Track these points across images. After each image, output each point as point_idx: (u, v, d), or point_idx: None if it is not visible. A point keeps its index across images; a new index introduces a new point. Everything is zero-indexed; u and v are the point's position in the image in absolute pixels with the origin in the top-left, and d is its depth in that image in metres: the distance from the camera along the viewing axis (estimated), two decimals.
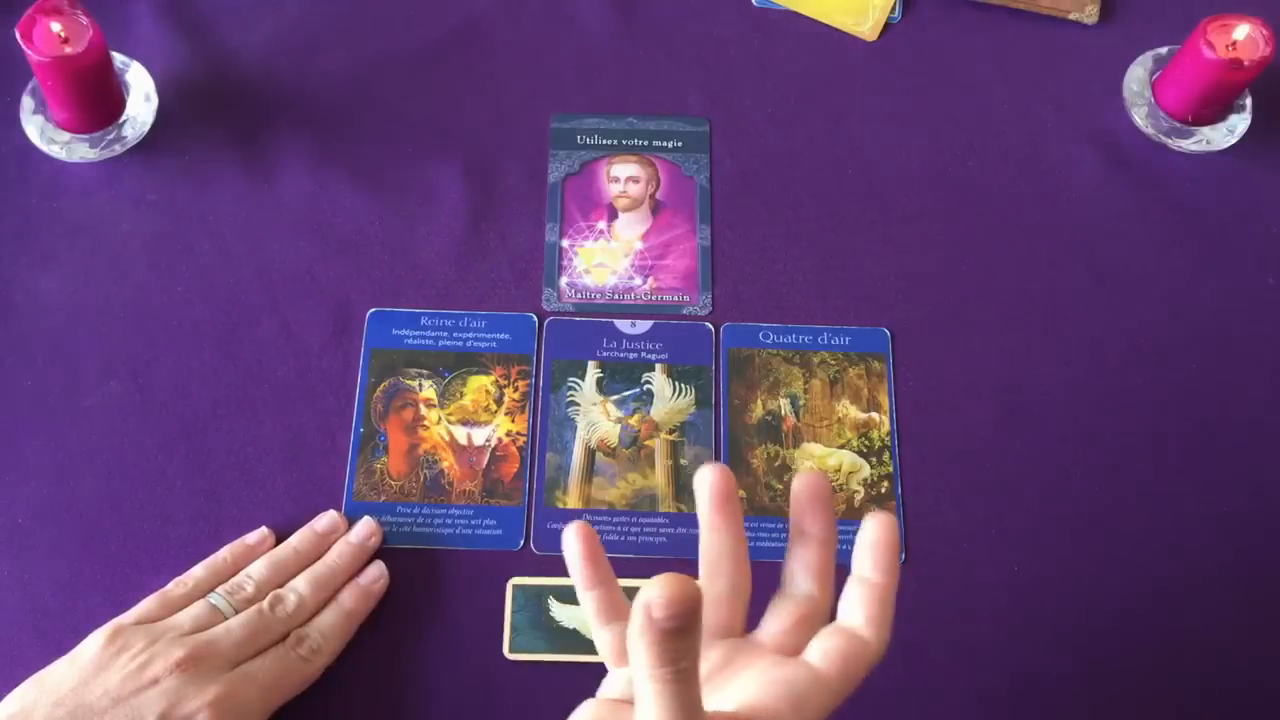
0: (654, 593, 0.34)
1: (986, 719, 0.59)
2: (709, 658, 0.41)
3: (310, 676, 0.56)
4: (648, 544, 0.62)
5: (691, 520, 0.62)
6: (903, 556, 0.62)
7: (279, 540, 0.60)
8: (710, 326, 0.67)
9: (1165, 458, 0.65)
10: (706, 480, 0.42)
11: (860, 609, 0.41)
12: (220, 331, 0.65)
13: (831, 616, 0.42)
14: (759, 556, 0.61)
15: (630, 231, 0.70)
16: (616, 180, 0.71)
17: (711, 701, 0.39)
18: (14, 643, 0.57)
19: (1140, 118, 0.73)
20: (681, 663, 0.35)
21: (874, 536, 0.41)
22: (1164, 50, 0.74)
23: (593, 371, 0.66)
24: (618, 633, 0.43)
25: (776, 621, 0.42)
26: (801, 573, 0.43)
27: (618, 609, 0.43)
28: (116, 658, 0.52)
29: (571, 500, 0.62)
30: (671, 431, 0.64)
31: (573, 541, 0.43)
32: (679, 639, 0.35)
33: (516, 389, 0.65)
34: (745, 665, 0.41)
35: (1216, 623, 0.61)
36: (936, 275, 0.69)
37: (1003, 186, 0.72)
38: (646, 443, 0.64)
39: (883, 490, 0.63)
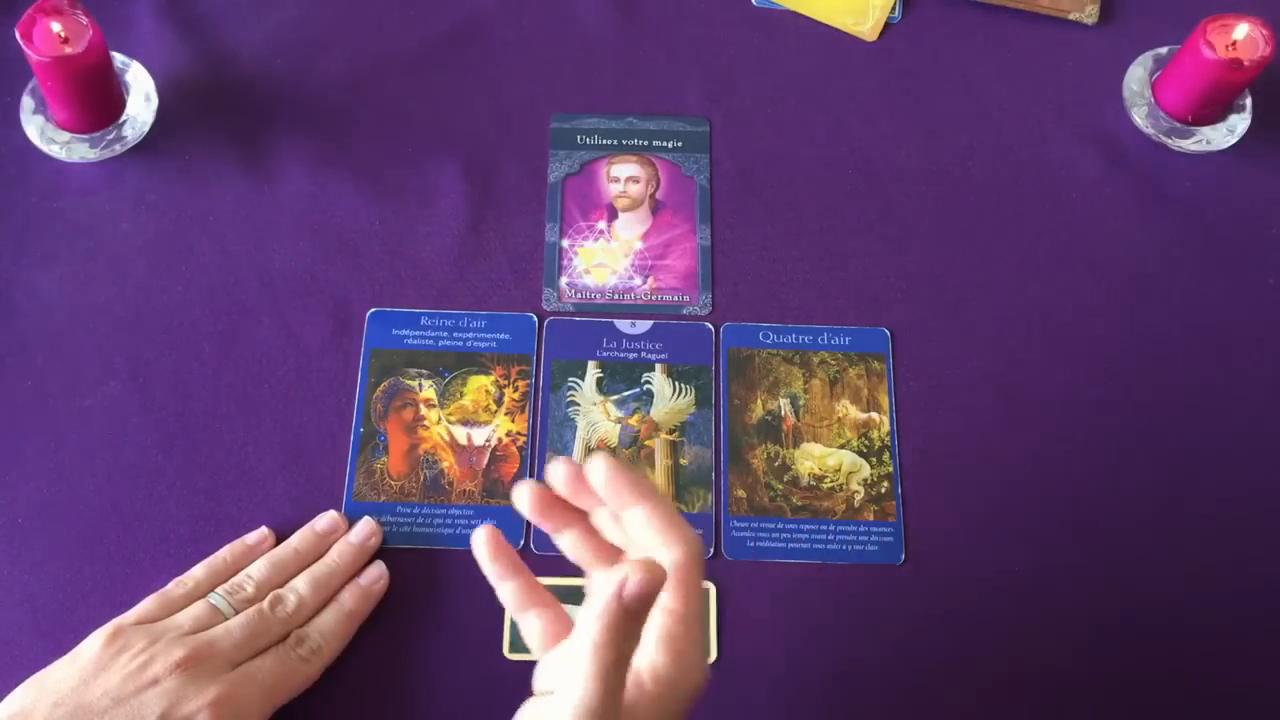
0: (635, 574, 0.38)
1: (986, 719, 0.59)
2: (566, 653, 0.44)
3: (310, 677, 0.56)
4: None
5: (693, 520, 0.62)
6: (902, 557, 0.62)
7: (279, 540, 0.60)
8: (710, 326, 0.67)
9: (1165, 458, 0.65)
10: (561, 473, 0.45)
11: (653, 530, 0.43)
12: (220, 331, 0.65)
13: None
14: (760, 556, 0.62)
15: (630, 231, 0.70)
16: (616, 180, 0.71)
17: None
18: (14, 643, 0.57)
19: (1140, 118, 0.73)
20: (626, 646, 0.40)
21: (602, 480, 0.43)
22: (1164, 50, 0.74)
23: (593, 371, 0.66)
24: (547, 617, 0.47)
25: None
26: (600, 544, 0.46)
27: (535, 595, 0.47)
28: (117, 658, 0.52)
29: None
30: (671, 431, 0.64)
31: (480, 545, 0.47)
32: (635, 621, 0.39)
33: (516, 389, 0.65)
34: None
35: (1216, 622, 0.61)
36: (936, 275, 0.69)
37: (1003, 186, 0.72)
38: (646, 443, 0.64)
39: (883, 490, 0.63)
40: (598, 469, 0.43)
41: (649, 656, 0.42)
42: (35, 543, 0.60)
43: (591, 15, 0.76)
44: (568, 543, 0.46)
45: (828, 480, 0.64)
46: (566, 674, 0.40)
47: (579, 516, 0.46)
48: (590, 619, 0.39)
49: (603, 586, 0.39)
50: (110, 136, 0.69)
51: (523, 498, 0.45)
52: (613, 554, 0.46)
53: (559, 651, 0.46)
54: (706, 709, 0.58)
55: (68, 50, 0.63)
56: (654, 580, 0.39)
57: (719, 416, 0.65)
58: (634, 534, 0.44)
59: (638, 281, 0.68)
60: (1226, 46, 0.68)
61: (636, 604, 0.39)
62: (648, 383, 0.66)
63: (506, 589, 0.47)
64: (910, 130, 0.74)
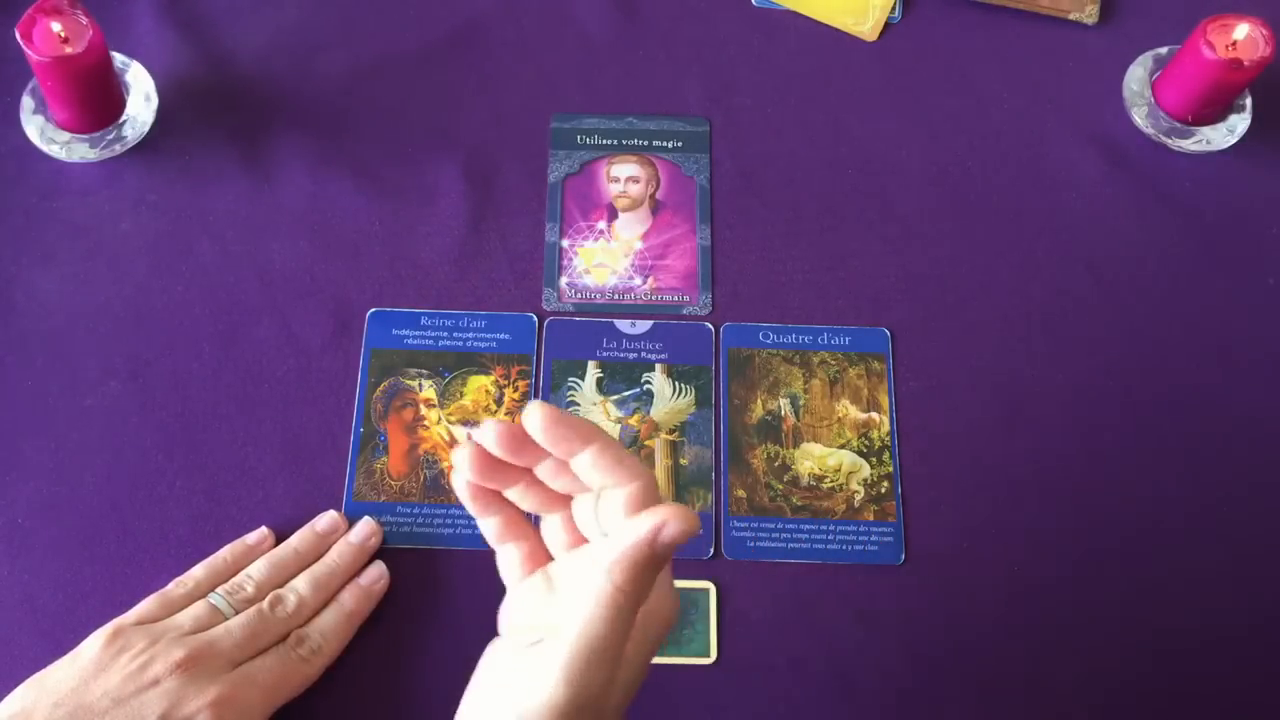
0: (675, 520, 0.37)
1: (986, 719, 0.59)
2: (567, 567, 0.44)
3: (310, 677, 0.56)
4: None
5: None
6: (902, 557, 0.62)
7: (279, 540, 0.60)
8: (710, 326, 0.67)
9: (1165, 458, 0.65)
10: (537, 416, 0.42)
11: (602, 470, 0.41)
12: (220, 332, 0.65)
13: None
14: (760, 556, 0.62)
15: (630, 231, 0.70)
16: (616, 180, 0.71)
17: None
18: (14, 643, 0.58)
19: (1140, 118, 0.73)
20: (645, 591, 0.39)
21: (539, 424, 0.41)
22: (1164, 50, 0.74)
23: (593, 371, 0.66)
24: (525, 549, 0.45)
25: (555, 534, 0.45)
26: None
27: (516, 528, 0.45)
28: (117, 658, 0.52)
29: None
30: (671, 431, 0.64)
31: (462, 475, 0.43)
32: (659, 567, 0.39)
33: (516, 389, 0.65)
34: (577, 564, 0.44)
35: (1216, 622, 0.61)
36: (936, 275, 0.69)
37: (1003, 186, 0.72)
38: (646, 443, 0.64)
39: (883, 490, 0.63)
40: (534, 417, 0.41)
41: (604, 572, 0.41)
42: (35, 543, 0.60)
43: (591, 15, 0.76)
44: (514, 496, 0.45)
45: (828, 480, 0.64)
46: (572, 612, 0.39)
47: (520, 475, 0.44)
48: (613, 560, 0.38)
49: (631, 528, 0.38)
50: (110, 136, 0.69)
51: (461, 472, 0.43)
52: (563, 501, 0.45)
53: (535, 583, 0.45)
54: (707, 709, 0.58)
55: (68, 50, 0.63)
56: (692, 529, 0.38)
57: (719, 416, 0.65)
58: (585, 477, 0.42)
59: (638, 281, 0.68)
60: (1226, 46, 0.68)
61: (667, 550, 0.38)
62: (648, 383, 0.66)
63: (490, 523, 0.45)
64: (910, 130, 0.74)
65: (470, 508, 0.44)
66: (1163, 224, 0.71)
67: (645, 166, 0.72)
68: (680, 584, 0.61)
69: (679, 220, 0.70)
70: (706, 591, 0.60)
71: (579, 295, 0.68)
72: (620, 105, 0.73)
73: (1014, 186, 0.72)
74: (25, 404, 0.63)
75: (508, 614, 0.45)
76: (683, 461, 0.64)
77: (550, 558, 0.45)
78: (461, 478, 0.43)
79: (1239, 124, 0.73)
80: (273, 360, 0.65)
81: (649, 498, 0.41)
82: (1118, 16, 0.78)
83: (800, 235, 0.70)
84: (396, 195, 0.70)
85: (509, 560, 0.46)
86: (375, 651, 0.58)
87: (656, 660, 0.58)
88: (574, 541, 0.44)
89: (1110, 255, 0.70)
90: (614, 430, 0.64)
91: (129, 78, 0.70)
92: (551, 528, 0.45)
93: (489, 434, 0.42)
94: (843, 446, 0.64)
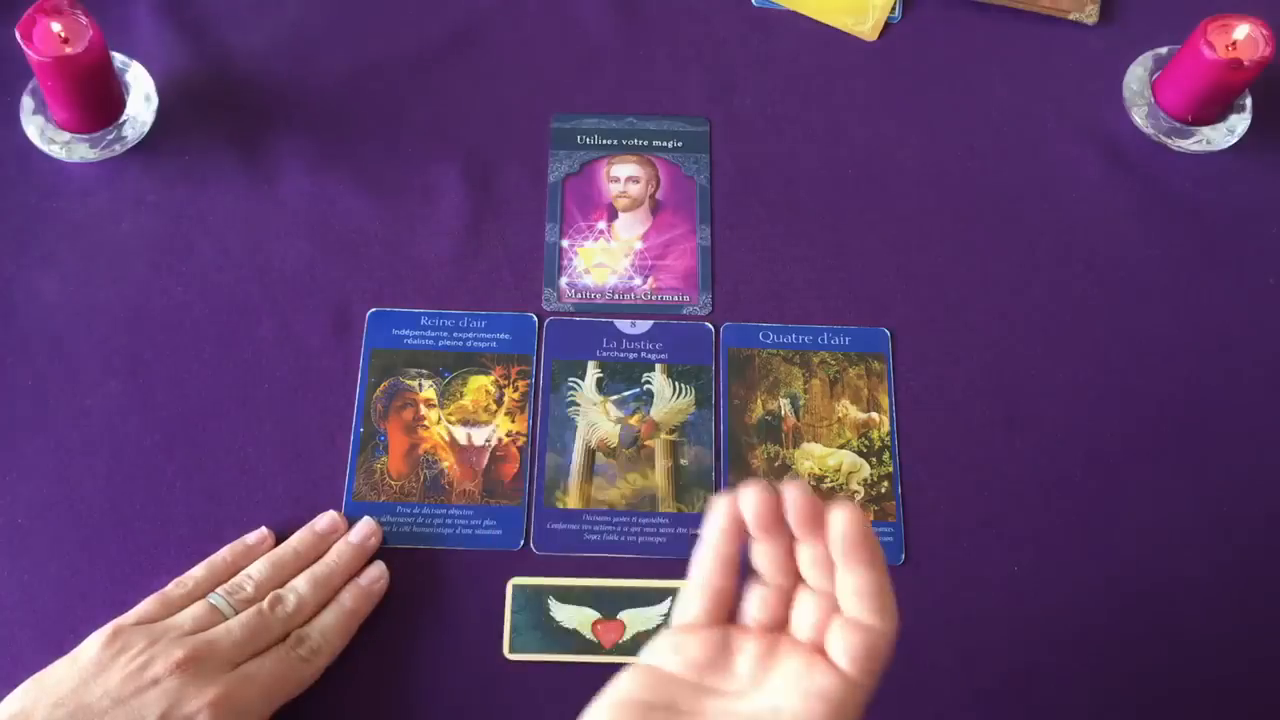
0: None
1: (986, 719, 0.59)
2: (752, 646, 0.43)
3: (310, 677, 0.56)
4: (648, 544, 0.62)
5: (692, 520, 0.62)
6: (902, 557, 0.62)
7: (279, 540, 0.60)
8: (710, 326, 0.67)
9: (1165, 458, 0.65)
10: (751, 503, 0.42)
11: (859, 601, 0.41)
12: (220, 331, 0.65)
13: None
14: None
15: (630, 231, 0.70)
16: (616, 180, 0.71)
17: (751, 706, 0.41)
18: (14, 643, 0.57)
19: (1140, 118, 0.73)
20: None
21: (842, 531, 0.41)
22: (1164, 50, 0.74)
23: (593, 371, 0.66)
24: (721, 597, 0.44)
25: (805, 615, 0.43)
26: (814, 574, 0.44)
27: (728, 571, 0.44)
28: (117, 658, 0.52)
29: (571, 500, 0.62)
30: (671, 431, 0.64)
31: (748, 507, 0.43)
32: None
33: (516, 389, 0.65)
34: (781, 669, 0.42)
35: (1216, 622, 0.61)
36: (936, 275, 0.69)
37: (1003, 186, 0.72)
38: (646, 443, 0.64)
39: (883, 490, 0.63)
40: (841, 521, 0.41)
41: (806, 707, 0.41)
42: (35, 543, 0.60)
43: (591, 15, 0.76)
44: (764, 553, 0.44)
45: (828, 480, 0.64)
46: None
47: (784, 539, 0.44)
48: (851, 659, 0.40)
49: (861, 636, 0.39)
50: (110, 136, 0.69)
51: (749, 504, 0.42)
52: (792, 577, 0.44)
53: (707, 638, 0.43)
54: None
55: (68, 50, 0.63)
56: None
57: (719, 416, 0.65)
58: (842, 589, 0.42)
59: (638, 281, 0.68)
60: (1226, 46, 0.68)
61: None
62: (648, 383, 0.66)
63: (711, 554, 0.44)
64: (910, 130, 0.74)
65: (719, 528, 0.43)
66: (1163, 224, 0.71)
67: (645, 166, 0.72)
68: (680, 584, 0.60)
69: (679, 220, 0.70)
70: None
71: (579, 295, 0.68)
72: (620, 105, 0.73)
73: (1014, 186, 0.72)
74: (25, 404, 0.63)
75: (659, 652, 0.44)
76: (683, 461, 0.64)
77: (728, 619, 0.44)
78: (732, 511, 0.43)
79: (1239, 124, 0.73)
80: (273, 360, 0.65)
81: (891, 643, 0.42)
82: (1118, 16, 0.78)
83: (800, 235, 0.70)
84: (396, 195, 0.70)
85: (696, 599, 0.44)
86: (375, 651, 0.58)
87: None
88: (773, 623, 0.44)
89: (1110, 255, 0.70)
90: (614, 430, 0.64)
91: (129, 78, 0.70)
92: (759, 598, 0.44)
93: (793, 495, 0.42)
94: (843, 446, 0.64)
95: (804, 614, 0.43)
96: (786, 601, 0.44)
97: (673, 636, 0.44)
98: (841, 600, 0.42)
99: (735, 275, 0.69)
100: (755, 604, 0.44)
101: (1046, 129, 0.74)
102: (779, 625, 0.44)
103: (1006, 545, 0.62)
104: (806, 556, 0.43)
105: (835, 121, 0.74)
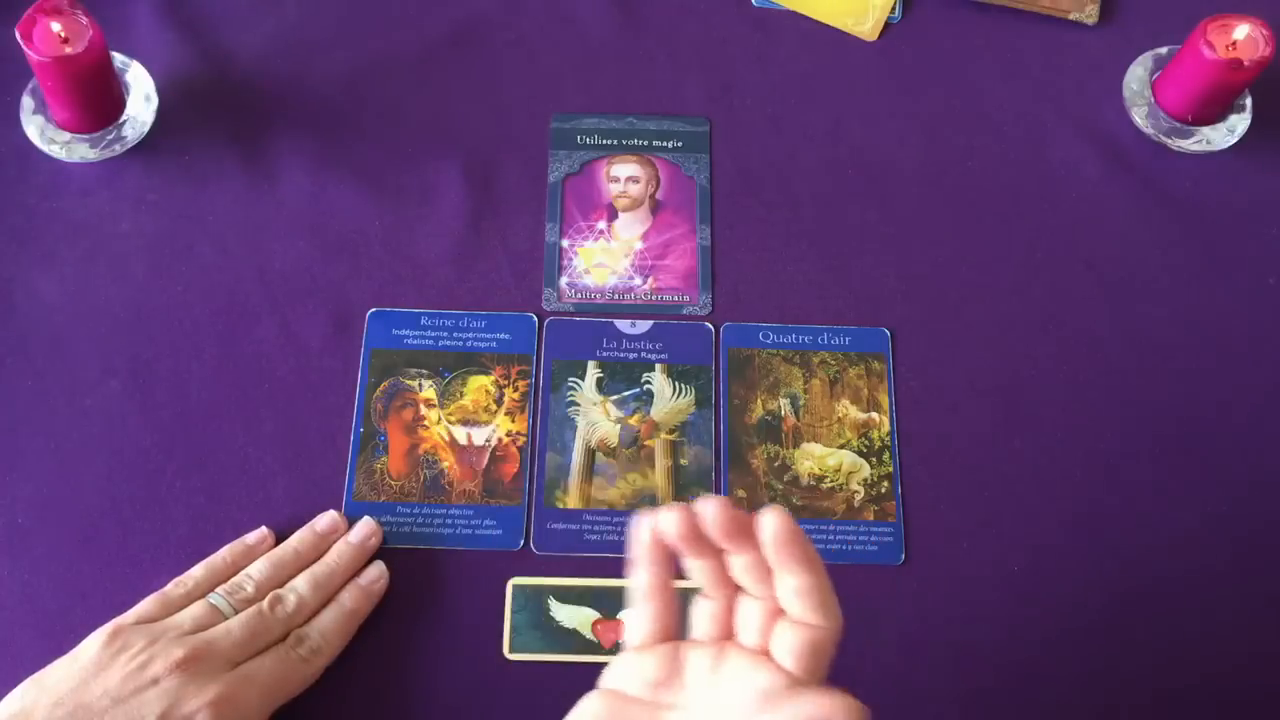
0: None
1: (986, 719, 0.59)
2: (702, 657, 0.43)
3: (310, 676, 0.56)
4: None
5: None
6: (902, 557, 0.62)
7: (279, 540, 0.60)
8: (710, 326, 0.67)
9: (1165, 457, 0.65)
10: (712, 513, 0.41)
11: (802, 601, 0.41)
12: (220, 331, 0.65)
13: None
14: None
15: (630, 231, 0.70)
16: (616, 180, 0.71)
17: (705, 714, 0.41)
18: (14, 643, 0.57)
19: (1140, 118, 0.73)
20: None
21: (775, 535, 0.40)
22: (1164, 50, 0.74)
23: (593, 371, 0.66)
24: (665, 616, 0.44)
25: (749, 622, 0.43)
26: (751, 582, 0.43)
27: (665, 593, 0.44)
28: (116, 658, 0.52)
29: (571, 500, 0.62)
30: (671, 431, 0.64)
31: (663, 530, 0.42)
32: None
33: (516, 389, 0.65)
34: (731, 676, 0.42)
35: (1216, 622, 0.61)
36: (936, 275, 0.69)
37: (1003, 186, 0.72)
38: (646, 443, 0.64)
39: (883, 490, 0.63)
40: (771, 525, 0.40)
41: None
42: (35, 543, 0.60)
43: (591, 15, 0.76)
44: (708, 570, 0.43)
45: (828, 480, 0.64)
46: None
47: (712, 552, 0.43)
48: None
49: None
50: (110, 136, 0.69)
51: (664, 527, 0.42)
52: (732, 588, 0.44)
53: (659, 655, 0.43)
54: None
55: (68, 50, 0.63)
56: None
57: (719, 416, 0.65)
58: (782, 592, 0.41)
59: (638, 281, 0.68)
60: (1226, 46, 0.68)
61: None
62: (648, 383, 0.66)
63: (643, 577, 0.44)
64: (910, 130, 0.74)
65: (643, 554, 0.43)
66: (1163, 224, 0.71)
67: (645, 166, 0.72)
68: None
69: (679, 220, 0.70)
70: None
71: (579, 295, 0.68)
72: (620, 105, 0.73)
73: (1014, 186, 0.72)
74: (25, 404, 0.63)
75: (616, 676, 0.44)
76: (683, 461, 0.64)
77: (677, 635, 0.44)
78: (654, 535, 0.42)
79: (1239, 124, 0.73)
80: (273, 360, 0.65)
81: (834, 644, 0.41)
82: (1118, 16, 0.78)
83: (800, 235, 0.70)
84: (396, 195, 0.70)
85: (642, 621, 0.44)
86: (375, 651, 0.58)
87: None
88: (721, 634, 0.43)
89: (1110, 255, 0.70)
90: (614, 430, 0.64)
91: (129, 78, 0.70)
92: (703, 612, 0.44)
93: (711, 511, 0.41)
94: (843, 446, 0.64)
95: (748, 620, 0.43)
96: (730, 611, 0.44)
97: (626, 658, 0.44)
98: (783, 603, 0.42)
99: (735, 275, 0.69)
100: (700, 618, 0.44)
101: (1046, 129, 0.74)
102: (726, 635, 0.44)
103: (1006, 545, 0.62)
104: (740, 564, 0.43)
105: (835, 121, 0.74)
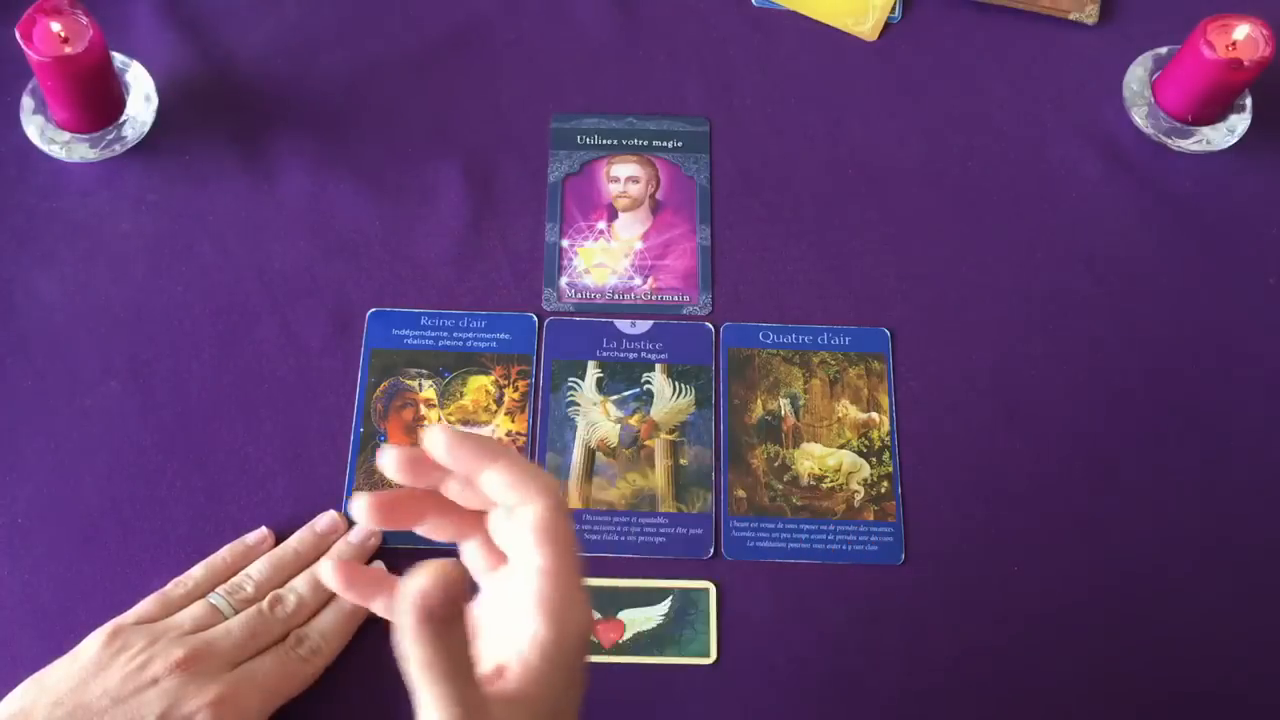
0: (425, 582, 0.36)
1: (986, 719, 0.59)
2: (486, 601, 0.44)
3: (310, 677, 0.56)
4: (648, 544, 0.62)
5: (693, 520, 0.62)
6: (902, 557, 0.62)
7: (279, 540, 0.60)
8: (710, 326, 0.67)
9: (1165, 458, 0.65)
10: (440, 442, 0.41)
11: (504, 491, 0.41)
12: (220, 331, 0.65)
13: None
14: (760, 556, 0.62)
15: (630, 231, 0.70)
16: (616, 180, 0.71)
17: (502, 634, 0.41)
18: (14, 643, 0.57)
19: (1140, 118, 0.73)
20: (454, 649, 0.37)
21: (441, 447, 0.41)
22: (1164, 50, 0.74)
23: (593, 371, 0.66)
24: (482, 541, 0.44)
25: (475, 560, 0.44)
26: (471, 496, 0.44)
27: (461, 524, 0.44)
28: (116, 658, 0.52)
29: (571, 500, 0.62)
30: (671, 431, 0.64)
31: (333, 578, 0.44)
32: (454, 623, 0.37)
33: (516, 389, 0.65)
34: (505, 593, 0.42)
35: (1216, 623, 0.61)
36: (936, 275, 0.69)
37: (1003, 186, 0.72)
38: (646, 443, 0.64)
39: (883, 490, 0.63)
40: (438, 440, 0.41)
41: (529, 628, 0.40)
42: (35, 543, 0.60)
43: (591, 15, 0.76)
44: (428, 529, 0.44)
45: (828, 480, 0.64)
46: (523, 563, 0.40)
47: (430, 502, 0.43)
48: (409, 641, 0.37)
49: (404, 603, 0.37)
50: (110, 136, 0.69)
51: (361, 511, 0.42)
52: (477, 520, 0.44)
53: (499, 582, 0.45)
54: (707, 709, 0.58)
55: (68, 50, 0.63)
56: (448, 581, 0.36)
57: (719, 416, 0.65)
58: (492, 495, 0.42)
59: (638, 281, 0.68)
60: (1226, 46, 0.68)
61: (446, 610, 0.36)
62: (648, 383, 0.66)
63: (429, 530, 0.44)
64: (910, 130, 0.74)
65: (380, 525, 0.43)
66: (1163, 224, 0.71)
67: (645, 166, 0.72)
68: (680, 584, 0.61)
69: (679, 220, 0.70)
70: (706, 591, 0.60)
71: (579, 295, 0.68)
72: (620, 105, 0.73)
73: (1014, 186, 0.72)
74: (25, 404, 0.63)
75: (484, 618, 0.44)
76: (683, 461, 0.64)
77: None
78: (361, 529, 0.43)
79: (1239, 124, 0.73)
80: (273, 360, 0.65)
81: (557, 516, 0.41)
82: (1118, 16, 0.78)
83: (800, 235, 0.70)
84: (396, 195, 0.70)
85: (472, 554, 0.45)
86: (375, 651, 0.58)
87: (657, 660, 0.59)
88: (496, 563, 0.44)
89: (1110, 255, 0.70)
90: (614, 430, 0.64)
91: (129, 78, 0.70)
92: (471, 554, 0.45)
93: (389, 461, 0.42)
94: (843, 446, 0.64)
95: (498, 533, 0.43)
96: (486, 545, 0.44)
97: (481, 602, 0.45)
98: (494, 499, 0.42)
99: (735, 275, 0.69)
100: (470, 563, 0.44)
101: (1046, 129, 0.74)
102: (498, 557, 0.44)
103: (1006, 545, 0.62)
104: (454, 492, 0.43)
105: (835, 121, 0.74)
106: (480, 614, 0.43)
